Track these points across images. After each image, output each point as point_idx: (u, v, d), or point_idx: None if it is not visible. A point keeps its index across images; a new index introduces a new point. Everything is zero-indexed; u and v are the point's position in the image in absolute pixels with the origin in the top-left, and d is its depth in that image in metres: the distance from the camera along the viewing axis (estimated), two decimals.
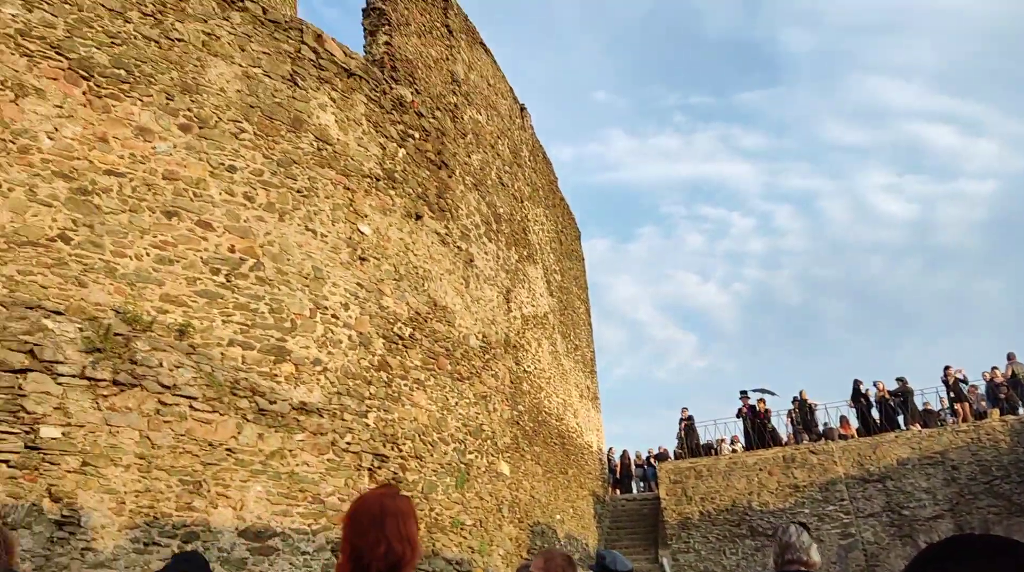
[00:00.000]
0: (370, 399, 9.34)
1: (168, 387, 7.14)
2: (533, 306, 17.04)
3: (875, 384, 19.52)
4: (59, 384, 6.62)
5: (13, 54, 8.06)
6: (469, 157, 14.13)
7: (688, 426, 21.06)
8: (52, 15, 8.33)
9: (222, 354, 7.95)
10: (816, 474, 17.53)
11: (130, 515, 6.49)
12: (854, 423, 19.41)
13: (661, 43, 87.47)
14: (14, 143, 7.83)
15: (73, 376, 6.70)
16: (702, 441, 20.93)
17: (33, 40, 8.16)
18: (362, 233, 9.96)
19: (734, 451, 20.28)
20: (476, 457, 11.87)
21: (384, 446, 9.61)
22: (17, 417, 6.30)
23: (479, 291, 13.48)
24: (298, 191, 9.46)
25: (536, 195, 19.01)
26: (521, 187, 17.56)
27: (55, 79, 8.26)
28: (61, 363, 6.70)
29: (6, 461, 6.13)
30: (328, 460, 8.45)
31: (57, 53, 8.29)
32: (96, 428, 6.61)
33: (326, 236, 9.52)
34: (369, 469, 8.83)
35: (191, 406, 7.28)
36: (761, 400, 20.40)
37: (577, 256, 23.78)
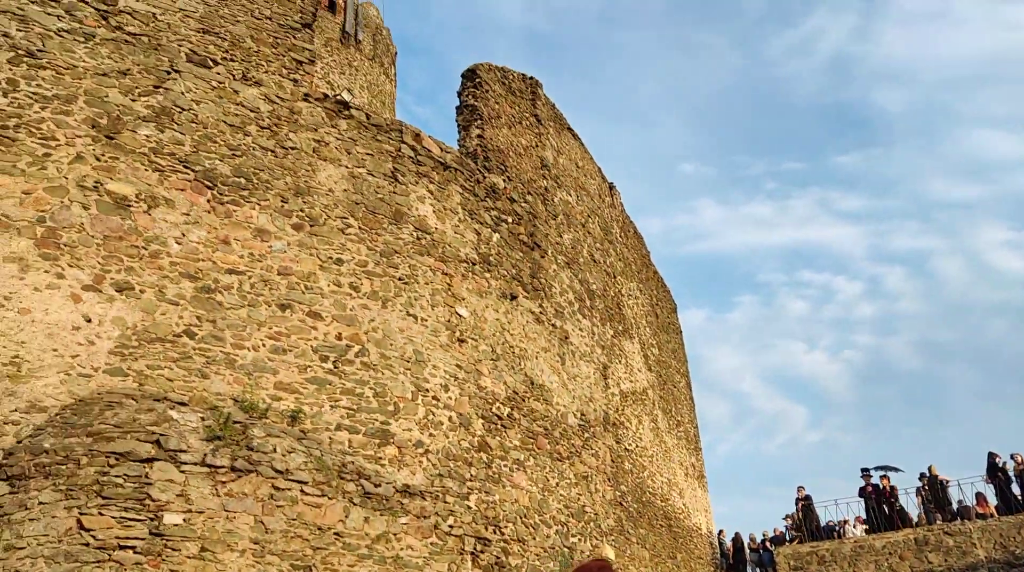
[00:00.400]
0: (471, 481, 9.37)
1: (281, 472, 7.43)
2: (631, 382, 16.75)
3: (1012, 457, 17.78)
4: (182, 472, 7.02)
5: (147, 170, 8.99)
6: (561, 237, 14.38)
7: (806, 506, 19.74)
8: (181, 134, 9.28)
9: (330, 438, 8.24)
10: (954, 558, 15.94)
11: None
12: (992, 500, 17.66)
13: (746, 113, 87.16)
14: (146, 249, 8.64)
15: (195, 464, 7.09)
16: (822, 522, 19.53)
17: (164, 157, 9.09)
18: (460, 316, 10.23)
19: (859, 533, 18.78)
20: (579, 540, 11.55)
21: (486, 529, 9.54)
22: (143, 504, 6.70)
23: (575, 368, 13.43)
24: (400, 279, 9.88)
25: (629, 270, 18.99)
26: (613, 263, 17.62)
27: (183, 190, 9.12)
28: (184, 452, 7.12)
29: (133, 547, 6.49)
30: (431, 544, 8.47)
31: (185, 166, 9.18)
32: (215, 514, 6.92)
33: (426, 320, 9.84)
34: (472, 553, 8.77)
35: (302, 490, 7.53)
36: (885, 477, 18.95)
37: (674, 329, 23.35)
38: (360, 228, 9.85)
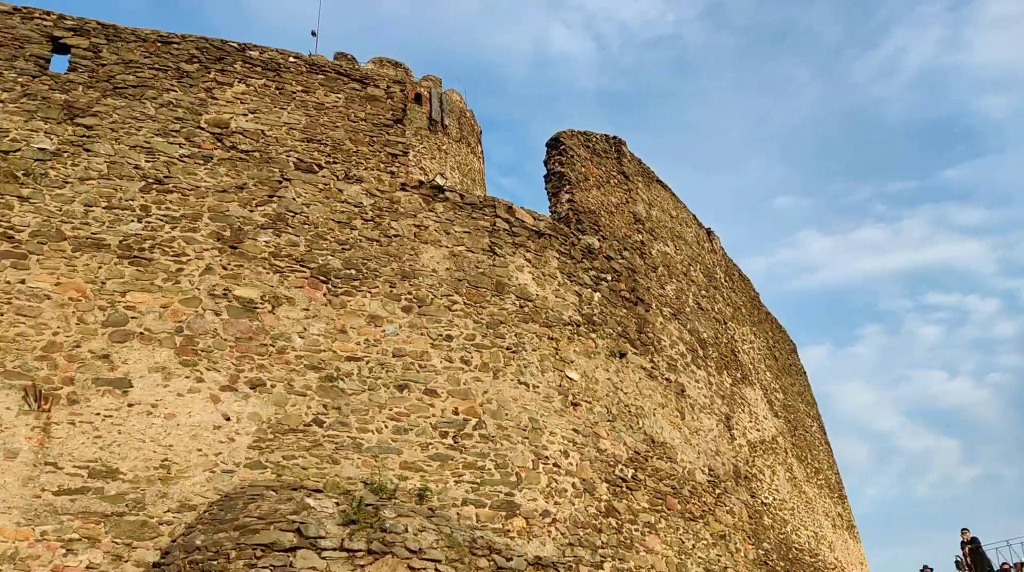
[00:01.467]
0: (603, 548, 9.06)
1: (414, 551, 7.46)
2: (758, 431, 15.93)
3: None
4: (323, 558, 7.16)
5: (268, 273, 9.59)
6: (663, 288, 14.13)
7: (973, 550, 17.82)
8: (295, 235, 9.89)
9: (458, 514, 8.24)
10: None
11: None
12: None
13: (838, 140, 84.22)
14: (273, 346, 9.13)
15: (334, 549, 7.23)
16: (995, 566, 17.52)
17: (282, 258, 9.68)
18: (571, 379, 10.15)
19: None
20: None
21: None
22: None
23: (696, 422, 12.93)
24: (507, 348, 9.95)
25: (739, 314, 18.34)
26: (722, 309, 17.08)
27: (301, 287, 9.64)
28: (323, 538, 7.28)
29: None
30: None
31: (301, 265, 9.74)
32: None
33: (537, 387, 9.81)
34: None
35: (436, 569, 7.51)
36: None
37: (796, 370, 22.18)
38: (465, 303, 10.06)
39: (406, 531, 7.63)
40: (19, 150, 9.26)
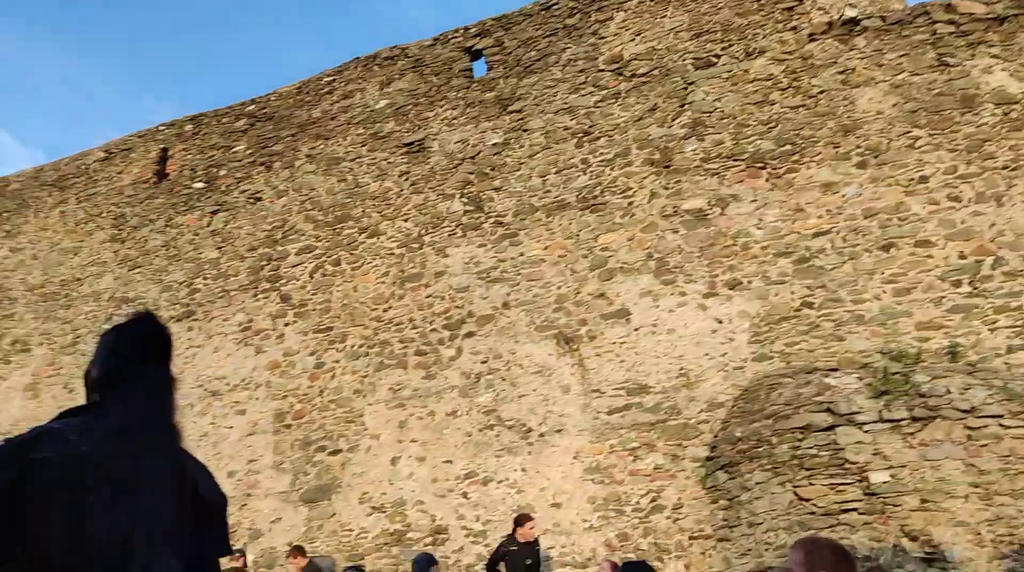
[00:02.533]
0: None
1: (966, 411, 6.81)
2: None
3: None
4: (865, 431, 7.03)
5: (705, 178, 9.62)
6: None
7: None
8: (717, 134, 9.70)
9: (1006, 364, 7.24)
10: None
11: (993, 545, 6.23)
12: None
13: None
14: (736, 245, 9.17)
15: (874, 421, 7.03)
16: None
17: (713, 161, 9.60)
18: None
19: None
20: None
21: None
22: (845, 469, 6.91)
23: None
24: (1003, 168, 8.26)
25: None
26: None
27: (741, 182, 9.46)
28: (858, 413, 7.14)
29: (855, 509, 6.73)
30: None
31: (733, 160, 9.53)
32: (918, 465, 6.71)
33: None
34: None
35: (1000, 425, 6.75)
36: None
37: None
38: (930, 134, 8.63)
39: (948, 392, 7.01)
40: (480, 152, 10.95)
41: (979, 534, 6.29)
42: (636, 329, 9.30)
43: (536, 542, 7.63)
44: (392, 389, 10.26)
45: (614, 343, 9.37)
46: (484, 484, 9.16)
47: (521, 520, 7.59)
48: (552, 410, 9.32)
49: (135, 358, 1.76)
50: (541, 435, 9.19)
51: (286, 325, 11.39)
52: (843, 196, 8.82)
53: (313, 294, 11.47)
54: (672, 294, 9.32)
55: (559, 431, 9.13)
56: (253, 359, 11.35)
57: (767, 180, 9.36)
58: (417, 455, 9.68)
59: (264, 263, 11.99)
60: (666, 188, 9.86)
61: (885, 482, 6.70)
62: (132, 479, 1.56)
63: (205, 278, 12.36)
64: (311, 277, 11.57)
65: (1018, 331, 7.38)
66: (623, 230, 9.92)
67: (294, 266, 11.80)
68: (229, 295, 12.05)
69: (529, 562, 7.37)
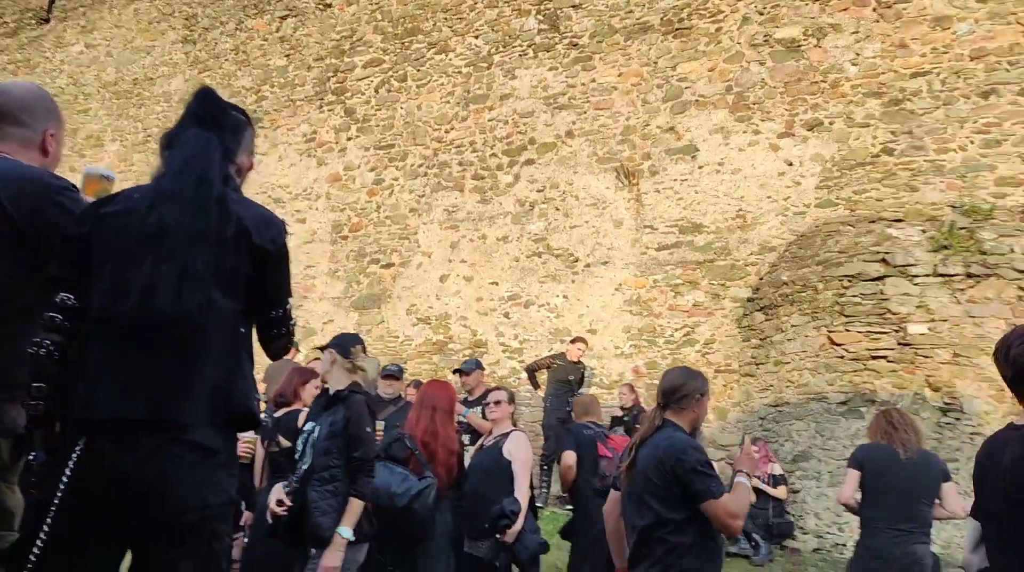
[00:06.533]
0: None
1: (1023, 272, 7.10)
2: None
3: None
4: (915, 284, 7.44)
5: (807, 3, 9.50)
6: None
7: None
8: None
9: None
10: None
11: (1012, 402, 6.74)
12: None
13: None
14: (825, 81, 9.21)
15: (926, 275, 7.41)
16: None
17: None
18: None
19: None
20: None
21: None
22: (885, 318, 7.42)
23: None
24: None
25: None
26: None
27: (845, 10, 9.30)
28: (913, 265, 7.51)
29: (885, 357, 7.31)
30: None
31: None
32: (959, 321, 7.14)
33: None
34: None
35: None
36: None
37: None
38: None
39: (1011, 251, 7.26)
40: None
41: (1002, 390, 6.78)
42: (700, 167, 9.69)
43: (581, 364, 8.73)
44: (447, 211, 11.19)
45: (675, 180, 9.82)
46: (525, 306, 10.18)
47: (575, 341, 8.72)
48: (601, 243, 10.04)
49: (183, 123, 2.07)
50: (587, 265, 10.00)
51: (348, 139, 12.34)
52: (954, 33, 8.62)
53: (377, 110, 12.27)
54: (745, 132, 9.56)
55: (605, 263, 9.90)
56: (315, 170, 12.48)
57: (874, 10, 9.16)
58: (465, 275, 10.75)
59: (331, 75, 12.80)
60: (761, 13, 9.80)
61: (922, 334, 7.19)
62: (159, 229, 1.87)
63: (272, 86, 13.33)
64: (376, 92, 12.33)
65: None
66: (705, 59, 10.03)
67: (360, 80, 12.56)
68: (295, 105, 13.02)
69: (571, 378, 8.48)
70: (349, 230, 11.89)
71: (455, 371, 6.82)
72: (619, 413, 8.32)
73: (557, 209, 10.39)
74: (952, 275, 7.29)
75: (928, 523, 4.34)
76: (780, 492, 7.27)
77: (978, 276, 7.21)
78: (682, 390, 3.12)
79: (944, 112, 8.34)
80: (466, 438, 5.46)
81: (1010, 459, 2.24)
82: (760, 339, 8.35)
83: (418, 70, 12.04)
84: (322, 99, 12.82)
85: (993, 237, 7.38)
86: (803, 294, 8.00)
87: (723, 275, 9.10)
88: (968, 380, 6.87)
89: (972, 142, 8.05)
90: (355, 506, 3.36)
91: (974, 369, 6.91)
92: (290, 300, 2.15)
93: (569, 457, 5.12)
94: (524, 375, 9.33)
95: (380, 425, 4.98)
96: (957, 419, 6.78)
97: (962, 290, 7.22)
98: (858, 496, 4.40)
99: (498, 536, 4.23)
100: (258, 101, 13.28)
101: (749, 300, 8.74)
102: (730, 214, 9.26)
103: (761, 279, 8.72)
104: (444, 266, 10.95)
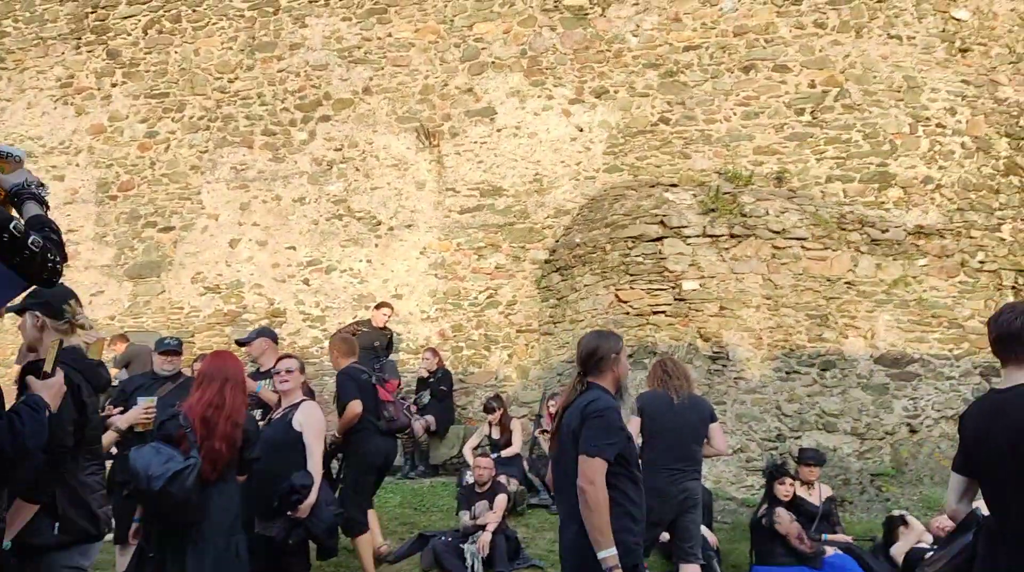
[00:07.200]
0: (1001, 210, 8.77)
1: (777, 232, 8.27)
2: None
3: None
4: (688, 244, 8.41)
5: None
6: None
7: None
8: None
9: (822, 192, 8.68)
10: None
11: (768, 348, 7.97)
12: None
13: None
14: (609, 51, 9.89)
15: (697, 236, 8.40)
16: None
17: None
18: (958, 20, 9.14)
19: None
20: None
21: None
22: (663, 276, 8.35)
23: None
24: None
25: None
26: None
27: None
28: (686, 227, 8.45)
29: (663, 312, 8.25)
30: (960, 282, 8.43)
31: None
32: (725, 277, 8.21)
33: (913, 38, 9.10)
34: (1013, 288, 8.43)
35: (803, 246, 8.28)
36: None
37: None
38: None
39: (767, 214, 8.43)
40: None
41: (760, 338, 7.99)
42: (499, 130, 10.07)
43: (387, 329, 8.89)
44: (235, 168, 10.69)
45: (475, 142, 10.14)
46: (327, 272, 10.12)
47: (380, 306, 8.83)
48: (404, 205, 10.19)
49: None
50: (390, 229, 10.12)
51: (113, 86, 11.28)
52: (720, 10, 9.60)
53: (147, 53, 11.30)
54: (539, 97, 10.05)
55: (409, 226, 10.09)
56: (74, 120, 11.30)
57: None
58: (259, 239, 10.41)
59: (89, 10, 11.54)
60: None
61: (694, 290, 8.19)
62: None
63: (17, 20, 11.79)
64: (145, 33, 11.32)
65: (840, 162, 8.78)
66: (500, 20, 10.32)
67: (125, 18, 11.44)
68: (45, 43, 11.62)
69: (377, 344, 8.62)
70: (118, 189, 10.99)
71: (237, 342, 6.44)
72: (425, 375, 8.68)
73: (357, 169, 10.33)
74: (718, 235, 8.32)
75: (699, 461, 5.01)
76: None
77: (739, 236, 8.29)
78: (598, 353, 3.24)
79: (712, 85, 9.33)
80: (257, 413, 5.08)
81: (1017, 418, 2.49)
82: (557, 299, 9.03)
83: (193, 10, 11.22)
84: (79, 38, 11.56)
85: (752, 201, 8.49)
86: (593, 255, 8.74)
87: (523, 238, 9.65)
88: (732, 330, 7.97)
89: (735, 114, 9.12)
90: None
91: (737, 321, 8.02)
92: None
93: (356, 406, 5.34)
94: (327, 344, 9.35)
95: (152, 401, 4.75)
96: (724, 366, 7.87)
97: (727, 249, 8.27)
98: (640, 441, 4.82)
99: (289, 513, 4.15)
100: None
101: (546, 261, 9.37)
102: (528, 178, 9.78)
103: (557, 241, 9.38)
104: (234, 230, 10.53)
